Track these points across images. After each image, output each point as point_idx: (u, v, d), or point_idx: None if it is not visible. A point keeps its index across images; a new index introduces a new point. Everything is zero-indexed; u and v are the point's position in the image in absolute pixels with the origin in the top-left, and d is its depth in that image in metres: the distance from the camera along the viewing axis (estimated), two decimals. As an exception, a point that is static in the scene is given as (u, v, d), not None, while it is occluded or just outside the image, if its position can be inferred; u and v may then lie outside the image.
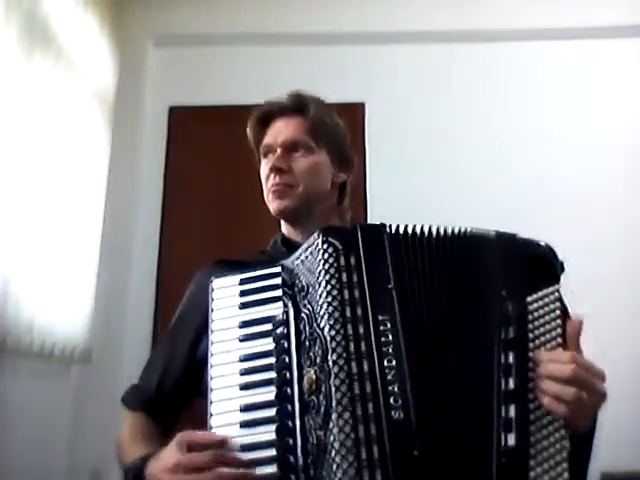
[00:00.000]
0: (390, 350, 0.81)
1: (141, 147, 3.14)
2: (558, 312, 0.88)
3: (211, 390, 0.89)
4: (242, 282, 0.96)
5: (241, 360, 0.89)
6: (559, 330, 0.86)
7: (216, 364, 0.91)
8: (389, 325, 0.83)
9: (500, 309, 0.87)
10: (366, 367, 0.80)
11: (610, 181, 3.00)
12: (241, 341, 0.91)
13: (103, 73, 2.96)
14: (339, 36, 3.22)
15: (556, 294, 0.89)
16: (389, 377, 0.80)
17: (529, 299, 0.87)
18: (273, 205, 1.21)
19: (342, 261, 0.86)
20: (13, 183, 2.09)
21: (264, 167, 1.23)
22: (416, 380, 0.81)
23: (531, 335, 0.85)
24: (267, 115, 1.24)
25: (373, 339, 0.82)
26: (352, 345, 0.81)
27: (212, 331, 0.93)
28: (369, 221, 2.47)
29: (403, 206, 2.75)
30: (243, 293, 0.94)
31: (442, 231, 0.92)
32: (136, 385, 1.21)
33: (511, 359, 0.84)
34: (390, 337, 0.82)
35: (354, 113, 3.11)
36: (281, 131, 1.21)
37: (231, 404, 0.86)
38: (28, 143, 2.19)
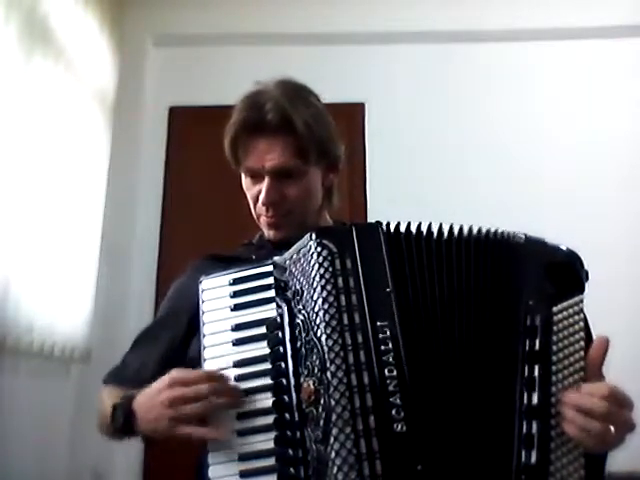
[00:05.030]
0: (390, 359, 0.78)
1: (141, 147, 3.13)
2: (582, 324, 0.84)
3: None
4: (233, 282, 0.92)
5: (235, 365, 0.86)
6: (582, 343, 0.83)
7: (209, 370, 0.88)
8: (388, 332, 0.80)
9: (524, 318, 0.83)
10: (366, 379, 0.77)
11: (611, 180, 3.00)
12: (235, 345, 0.88)
13: (103, 73, 2.95)
14: (339, 36, 3.21)
15: (580, 305, 0.84)
16: (390, 388, 0.77)
17: (555, 309, 0.83)
18: (268, 234, 1.15)
19: (337, 265, 0.83)
20: (13, 183, 2.09)
21: (250, 187, 1.14)
22: (419, 390, 0.78)
23: (555, 348, 0.81)
24: (246, 130, 1.09)
25: (372, 348, 0.79)
26: (351, 356, 0.78)
27: (204, 335, 0.90)
28: (369, 221, 2.46)
29: (403, 206, 2.75)
30: (235, 294, 0.91)
31: (456, 231, 0.87)
32: (118, 367, 1.19)
33: (535, 373, 0.80)
34: (390, 345, 0.79)
35: (354, 113, 3.11)
36: (267, 154, 1.07)
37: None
38: (28, 143, 2.19)
